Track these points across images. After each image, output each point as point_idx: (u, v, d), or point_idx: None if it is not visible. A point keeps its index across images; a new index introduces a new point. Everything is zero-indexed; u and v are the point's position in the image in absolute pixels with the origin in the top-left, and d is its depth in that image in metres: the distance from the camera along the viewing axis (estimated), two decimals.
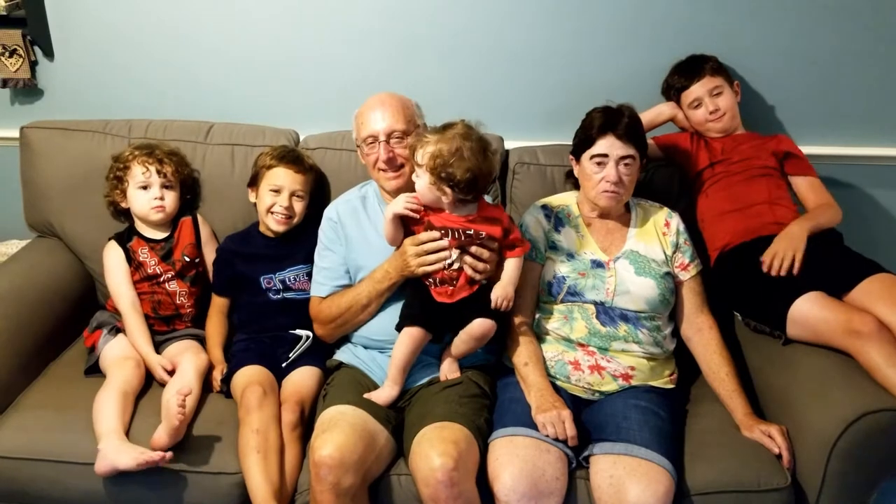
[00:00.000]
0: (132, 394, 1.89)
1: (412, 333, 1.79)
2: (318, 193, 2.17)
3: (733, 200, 2.10)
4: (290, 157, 2.09)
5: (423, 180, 1.74)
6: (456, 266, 1.77)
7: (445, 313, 1.79)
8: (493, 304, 1.77)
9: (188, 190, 2.20)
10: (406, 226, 1.81)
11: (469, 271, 1.78)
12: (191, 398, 1.80)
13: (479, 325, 1.79)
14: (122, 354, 1.98)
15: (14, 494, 1.81)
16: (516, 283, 1.80)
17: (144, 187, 2.10)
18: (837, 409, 1.68)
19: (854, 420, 1.64)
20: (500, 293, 1.78)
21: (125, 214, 2.18)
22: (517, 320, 1.89)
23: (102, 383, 1.89)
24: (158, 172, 2.10)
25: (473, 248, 1.77)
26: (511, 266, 1.80)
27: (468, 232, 1.76)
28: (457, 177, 1.70)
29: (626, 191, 1.90)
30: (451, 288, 1.78)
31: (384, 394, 1.82)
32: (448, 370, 1.85)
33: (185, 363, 1.94)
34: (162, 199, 2.10)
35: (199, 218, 2.20)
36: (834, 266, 1.93)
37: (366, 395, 1.81)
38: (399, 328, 1.81)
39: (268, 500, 1.68)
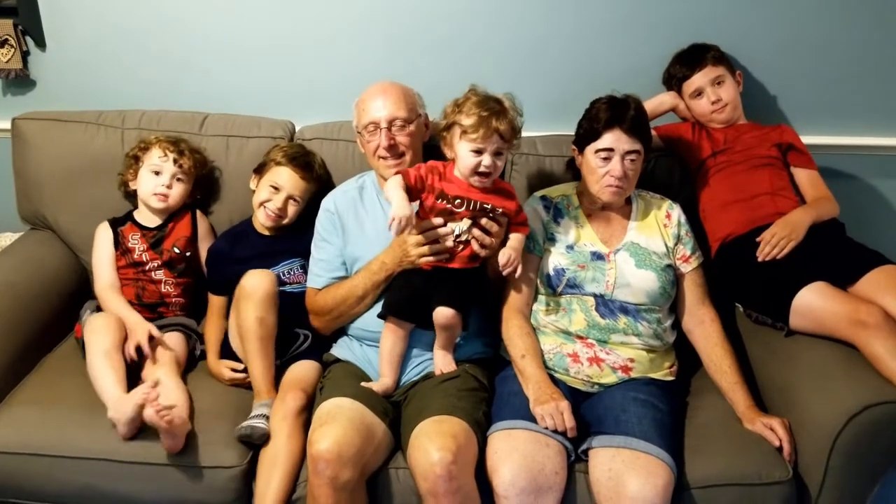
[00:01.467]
0: (115, 349, 1.87)
1: (392, 327, 1.80)
2: (319, 193, 2.12)
3: (735, 191, 2.08)
4: (301, 161, 2.07)
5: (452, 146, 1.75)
6: (464, 238, 1.75)
7: (430, 292, 1.77)
8: (500, 265, 1.75)
9: (201, 189, 2.17)
10: (415, 196, 1.76)
11: (475, 246, 1.76)
12: (179, 409, 1.77)
13: (441, 314, 1.77)
14: (97, 320, 1.96)
15: (8, 489, 1.80)
16: (521, 252, 1.79)
17: (157, 172, 2.09)
18: (840, 401, 1.67)
19: (856, 413, 1.63)
20: (512, 255, 1.75)
21: (132, 198, 2.16)
22: (514, 312, 1.87)
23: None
24: (175, 162, 2.08)
25: (484, 221, 1.76)
26: (517, 238, 1.79)
27: (485, 206, 1.75)
28: (465, 120, 1.70)
29: (629, 185, 1.88)
30: (450, 259, 1.78)
31: (381, 385, 1.82)
32: (442, 363, 1.84)
33: (165, 381, 1.87)
34: (169, 187, 2.08)
35: (199, 213, 2.17)
36: (838, 257, 1.92)
37: (364, 384, 1.81)
38: (381, 317, 1.81)
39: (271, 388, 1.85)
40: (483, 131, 1.69)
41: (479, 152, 1.71)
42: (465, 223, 1.75)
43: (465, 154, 1.73)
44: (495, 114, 1.70)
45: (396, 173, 1.77)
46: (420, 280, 1.79)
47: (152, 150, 2.10)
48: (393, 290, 1.84)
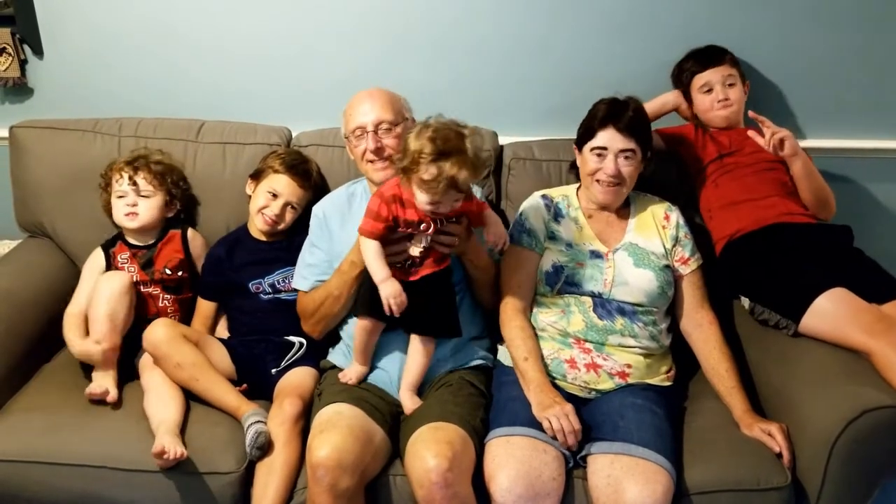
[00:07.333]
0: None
1: (362, 325, 1.80)
2: (315, 200, 2.10)
3: (746, 191, 2.07)
4: (300, 169, 2.07)
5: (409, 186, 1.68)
6: (425, 244, 1.73)
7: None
8: (491, 247, 1.77)
9: (176, 199, 2.13)
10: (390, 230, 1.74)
11: (440, 248, 1.74)
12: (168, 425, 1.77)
13: (421, 342, 1.79)
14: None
15: (6, 497, 1.79)
16: (500, 225, 1.78)
17: (120, 196, 2.08)
18: (838, 406, 1.65)
19: (855, 418, 1.62)
20: (497, 234, 1.76)
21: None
22: (515, 313, 1.87)
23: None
24: (130, 179, 2.06)
25: (447, 227, 1.73)
26: (490, 219, 1.77)
27: (449, 218, 1.72)
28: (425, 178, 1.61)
29: (625, 185, 1.88)
30: (416, 269, 1.75)
31: (352, 372, 1.82)
32: (411, 403, 1.80)
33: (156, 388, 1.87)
34: (134, 205, 2.06)
35: (191, 232, 2.15)
36: (862, 277, 1.90)
37: (339, 375, 1.80)
38: (355, 314, 1.81)
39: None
40: (442, 186, 1.61)
41: (435, 203, 1.66)
42: (427, 239, 1.72)
43: (422, 200, 1.66)
44: (454, 164, 1.59)
45: (362, 232, 1.72)
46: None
47: (112, 177, 2.09)
48: (364, 290, 1.80)
